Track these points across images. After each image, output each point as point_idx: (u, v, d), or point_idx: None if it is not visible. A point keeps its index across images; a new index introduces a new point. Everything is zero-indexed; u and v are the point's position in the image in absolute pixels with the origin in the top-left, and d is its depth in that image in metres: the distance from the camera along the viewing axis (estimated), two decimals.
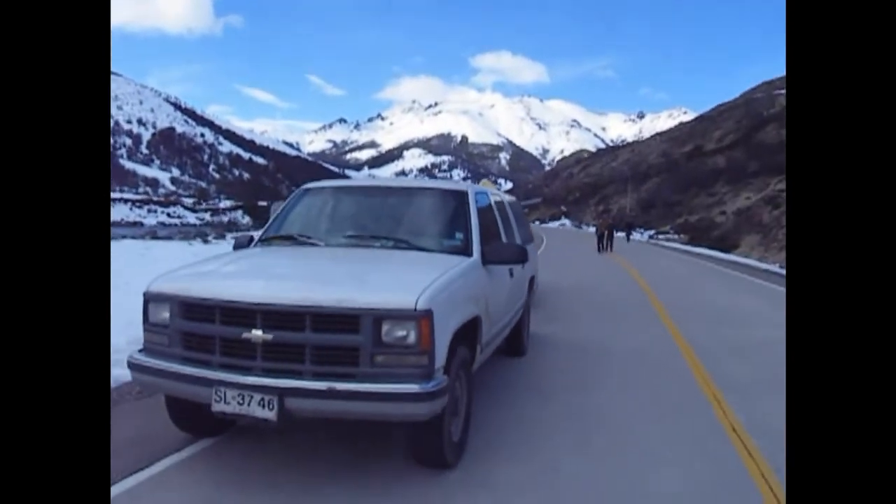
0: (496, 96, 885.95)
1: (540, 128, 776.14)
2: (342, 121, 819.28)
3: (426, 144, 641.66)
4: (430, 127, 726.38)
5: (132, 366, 3.74)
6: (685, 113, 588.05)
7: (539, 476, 3.92)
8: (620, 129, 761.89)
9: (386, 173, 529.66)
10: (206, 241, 34.08)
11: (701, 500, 3.72)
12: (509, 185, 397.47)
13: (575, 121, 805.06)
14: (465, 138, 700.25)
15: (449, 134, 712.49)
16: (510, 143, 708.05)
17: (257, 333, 3.35)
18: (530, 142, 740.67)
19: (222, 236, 47.45)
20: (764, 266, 29.16)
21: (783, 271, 25.81)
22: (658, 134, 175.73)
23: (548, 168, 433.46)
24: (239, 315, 3.41)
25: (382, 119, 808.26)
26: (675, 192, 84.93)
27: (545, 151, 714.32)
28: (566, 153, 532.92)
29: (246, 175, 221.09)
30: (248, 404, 3.32)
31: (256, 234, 5.22)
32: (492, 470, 3.97)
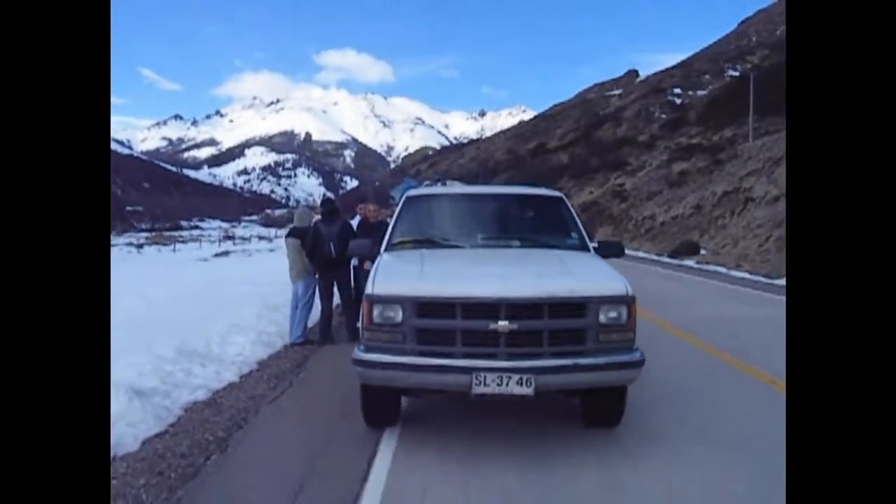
0: (341, 93, 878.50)
1: (384, 125, 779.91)
2: (178, 117, 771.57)
3: (268, 142, 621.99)
4: (272, 124, 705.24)
5: (365, 363, 4.15)
6: (524, 111, 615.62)
7: (672, 423, 4.85)
8: (463, 126, 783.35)
9: (227, 172, 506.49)
10: None
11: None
12: (355, 183, 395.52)
13: (419, 118, 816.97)
14: (308, 136, 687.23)
15: (292, 131, 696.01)
16: (355, 140, 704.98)
17: (504, 324, 3.95)
18: (375, 139, 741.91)
19: None
20: (639, 254, 32.09)
21: (652, 256, 28.80)
22: (503, 132, 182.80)
23: (393, 165, 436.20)
24: (485, 309, 3.98)
25: (222, 116, 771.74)
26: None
27: (390, 149, 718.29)
28: (411, 150, 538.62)
29: None
30: (507, 384, 3.92)
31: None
32: (639, 418, 4.82)
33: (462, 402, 5.03)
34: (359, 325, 4.77)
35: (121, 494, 3.74)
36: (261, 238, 58.72)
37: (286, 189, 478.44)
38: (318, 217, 8.96)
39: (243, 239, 54.48)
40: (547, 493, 3.69)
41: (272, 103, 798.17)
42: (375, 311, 4.16)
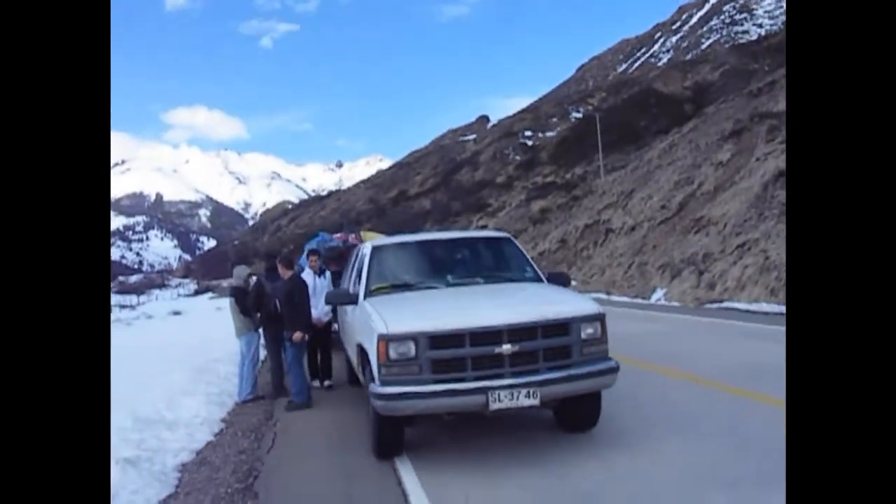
0: (192, 151, 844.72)
1: (240, 182, 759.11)
2: None
3: (116, 206, 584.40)
4: (119, 186, 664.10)
5: (386, 396, 4.65)
6: (381, 160, 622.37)
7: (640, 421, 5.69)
8: (321, 178, 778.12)
9: None
10: None
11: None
12: (213, 243, 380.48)
13: (275, 173, 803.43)
14: (160, 196, 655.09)
15: (142, 193, 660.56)
16: (210, 198, 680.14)
17: (507, 347, 4.63)
18: (231, 196, 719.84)
19: None
20: None
21: None
22: (362, 182, 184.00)
23: (252, 222, 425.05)
24: (490, 336, 4.63)
25: None
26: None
27: (247, 205, 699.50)
28: (269, 205, 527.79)
29: None
30: (518, 399, 4.58)
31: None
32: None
33: (447, 424, 5.56)
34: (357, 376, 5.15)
35: None
36: (123, 307, 55.10)
37: (138, 254, 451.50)
38: (253, 278, 9.14)
39: None
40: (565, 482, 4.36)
41: (118, 164, 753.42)
42: (391, 348, 4.68)
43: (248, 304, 8.52)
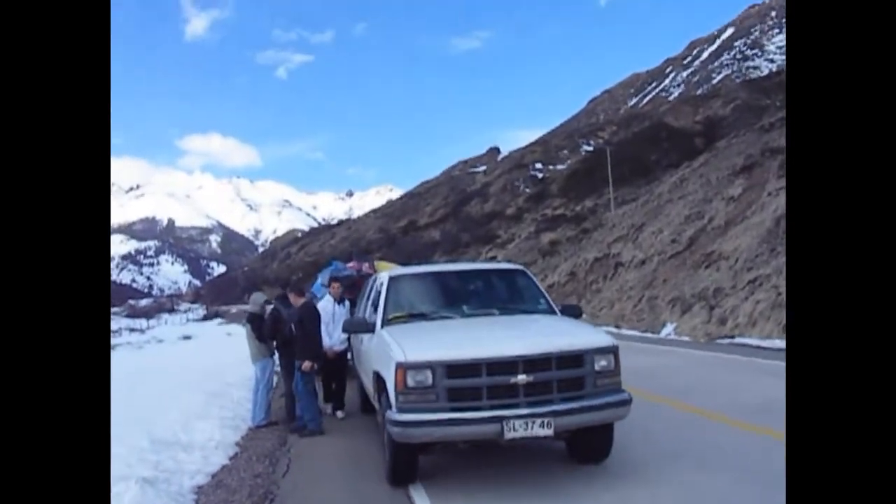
0: (205, 178, 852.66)
1: (251, 209, 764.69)
2: None
3: (129, 230, 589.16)
4: (132, 211, 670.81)
5: (404, 423, 4.75)
6: (391, 190, 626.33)
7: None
8: (331, 207, 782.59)
9: None
10: None
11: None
12: (223, 269, 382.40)
13: (286, 201, 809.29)
14: (171, 222, 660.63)
15: (154, 218, 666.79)
16: (221, 225, 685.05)
17: (522, 377, 4.73)
18: (242, 223, 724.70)
19: None
20: None
21: None
22: (373, 211, 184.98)
23: (262, 249, 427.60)
24: (506, 366, 4.74)
25: None
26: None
27: (258, 232, 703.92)
28: (279, 233, 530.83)
29: None
30: (532, 428, 4.66)
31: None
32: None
33: (462, 452, 5.63)
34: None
35: None
36: (132, 330, 55.41)
37: (149, 278, 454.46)
38: (269, 306, 9.29)
39: (112, 332, 51.26)
40: None
41: (132, 189, 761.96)
42: (409, 376, 4.80)
43: (265, 331, 8.66)
